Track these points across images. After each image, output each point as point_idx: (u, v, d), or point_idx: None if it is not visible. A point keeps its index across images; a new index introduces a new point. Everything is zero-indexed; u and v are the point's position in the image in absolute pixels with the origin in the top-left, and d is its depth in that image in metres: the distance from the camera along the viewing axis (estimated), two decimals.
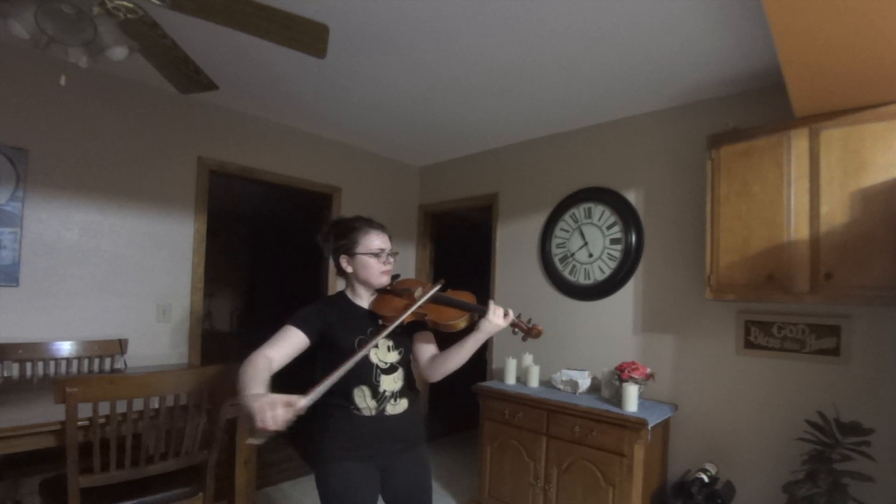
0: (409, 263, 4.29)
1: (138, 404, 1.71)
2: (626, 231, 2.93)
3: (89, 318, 2.59)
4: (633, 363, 2.52)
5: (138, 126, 2.77)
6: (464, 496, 3.24)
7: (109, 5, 1.34)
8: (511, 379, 3.05)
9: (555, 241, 3.30)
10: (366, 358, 1.46)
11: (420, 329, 1.60)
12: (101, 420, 1.67)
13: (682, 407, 2.66)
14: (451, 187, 4.13)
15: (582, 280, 3.14)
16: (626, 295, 2.95)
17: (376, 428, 1.50)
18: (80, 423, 1.62)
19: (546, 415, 2.65)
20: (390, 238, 1.61)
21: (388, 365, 1.52)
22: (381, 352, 1.52)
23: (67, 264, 2.52)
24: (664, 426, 2.62)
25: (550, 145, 3.41)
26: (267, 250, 6.88)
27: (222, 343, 6.36)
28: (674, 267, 2.76)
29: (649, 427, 2.29)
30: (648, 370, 2.52)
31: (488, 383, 3.02)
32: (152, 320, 2.82)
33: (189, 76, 1.81)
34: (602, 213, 3.06)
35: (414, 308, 1.45)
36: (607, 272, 3.01)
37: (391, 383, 1.52)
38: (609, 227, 3.02)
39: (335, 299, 1.60)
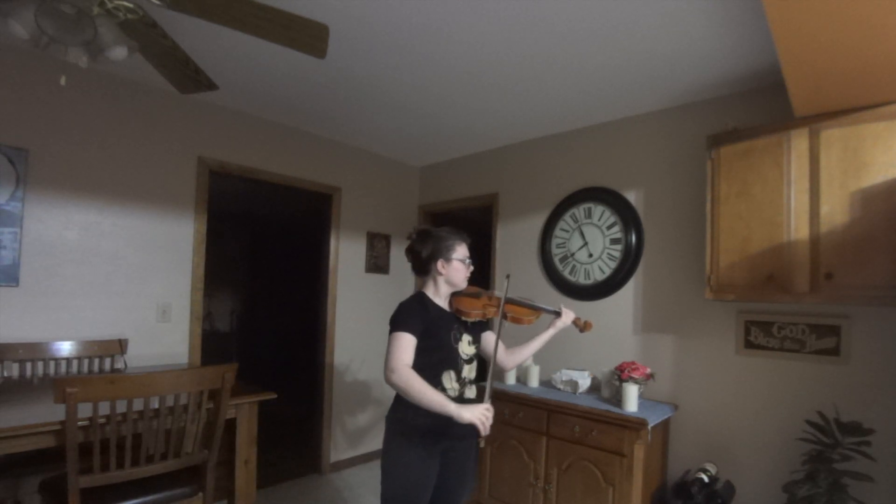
0: None
1: (138, 404, 1.71)
2: (626, 231, 2.93)
3: (89, 318, 2.59)
4: (633, 363, 2.52)
5: (138, 126, 2.77)
6: None
7: (109, 5, 1.34)
8: (511, 379, 3.05)
9: (555, 241, 3.30)
10: (455, 348, 1.75)
11: (489, 328, 1.94)
12: (101, 420, 1.67)
13: (682, 407, 2.66)
14: (451, 187, 4.13)
15: (582, 280, 3.15)
16: (626, 295, 2.95)
17: None
18: (80, 423, 1.62)
19: (546, 415, 2.65)
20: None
21: (469, 356, 1.79)
22: (465, 345, 1.78)
23: (67, 264, 2.52)
24: (664, 426, 2.62)
25: (550, 145, 3.41)
26: (267, 250, 6.88)
27: (222, 343, 6.36)
28: (674, 267, 2.76)
29: (649, 427, 2.29)
30: (648, 370, 2.52)
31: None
32: (152, 320, 2.82)
33: (189, 76, 1.81)
34: (602, 213, 3.06)
35: (501, 309, 1.81)
36: (607, 272, 3.01)
37: (469, 371, 1.79)
38: (609, 227, 3.02)
39: (422, 300, 1.79)
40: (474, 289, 1.90)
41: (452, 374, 1.73)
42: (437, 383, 1.68)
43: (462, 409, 1.54)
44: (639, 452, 2.32)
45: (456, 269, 1.79)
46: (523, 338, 2.03)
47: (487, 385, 1.67)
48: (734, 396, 2.50)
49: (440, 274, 1.79)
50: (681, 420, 2.66)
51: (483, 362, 1.93)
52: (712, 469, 2.36)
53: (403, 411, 1.71)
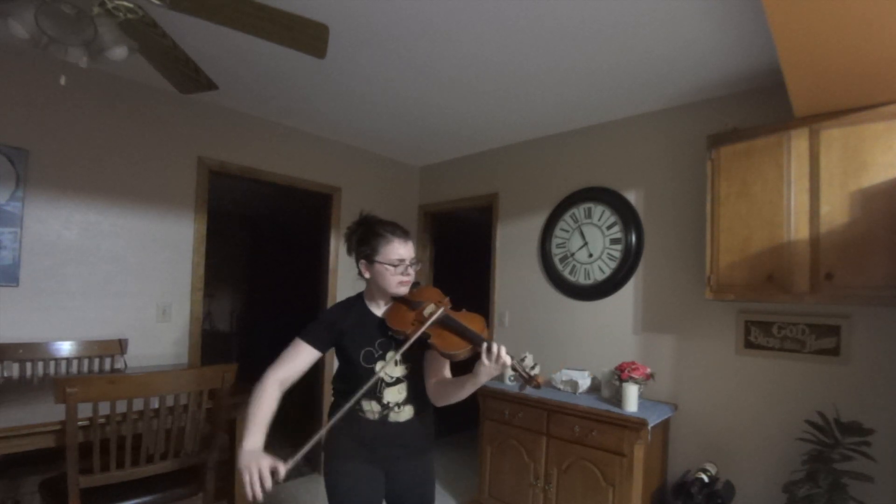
0: None
1: (138, 404, 1.72)
2: (626, 231, 2.93)
3: (89, 318, 2.59)
4: (633, 363, 2.52)
5: (138, 126, 2.77)
6: (464, 496, 3.24)
7: (109, 5, 1.34)
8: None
9: (555, 241, 3.30)
10: (372, 372, 1.47)
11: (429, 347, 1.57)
12: (101, 420, 1.67)
13: (682, 407, 2.66)
14: (451, 187, 4.13)
15: (582, 280, 3.14)
16: (626, 295, 2.95)
17: (380, 432, 1.52)
18: (80, 423, 1.62)
19: (546, 415, 2.65)
20: (414, 245, 1.57)
21: (394, 379, 1.52)
22: (388, 366, 1.50)
23: (67, 264, 2.52)
24: (664, 426, 2.62)
25: (550, 145, 3.41)
26: (267, 250, 6.88)
27: (222, 343, 6.36)
28: (674, 267, 2.76)
29: (649, 427, 2.29)
30: (648, 370, 2.52)
31: (488, 383, 3.02)
32: (152, 320, 2.82)
33: (189, 76, 1.81)
34: (602, 213, 3.06)
35: (420, 331, 1.40)
36: (607, 272, 3.01)
37: (394, 395, 1.52)
38: (609, 227, 3.02)
39: (352, 303, 1.59)
40: (429, 293, 1.56)
41: (372, 400, 1.50)
42: (357, 406, 1.49)
43: (245, 455, 1.21)
44: (639, 452, 2.32)
45: (380, 273, 1.49)
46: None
47: (305, 447, 1.18)
48: (734, 396, 2.50)
49: (366, 277, 1.55)
50: (681, 420, 2.66)
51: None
52: (712, 469, 2.36)
53: (332, 432, 1.51)
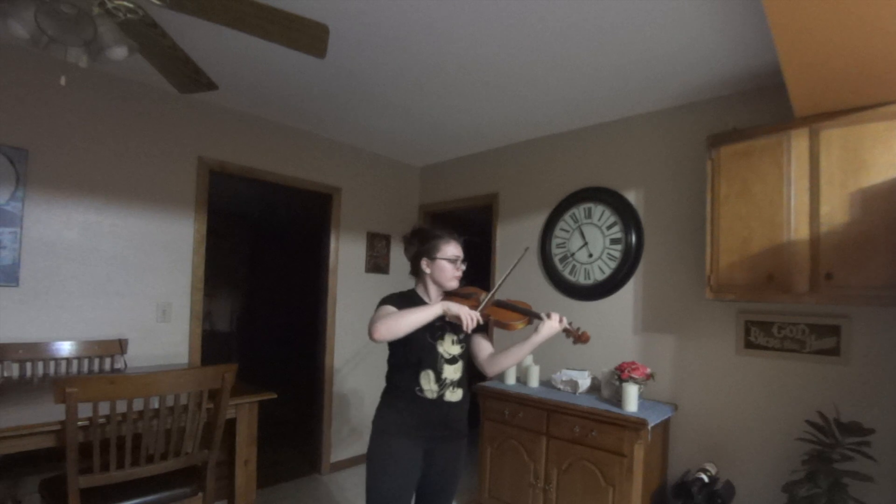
0: None
1: (138, 404, 1.71)
2: (626, 231, 2.93)
3: (89, 318, 2.59)
4: (633, 363, 2.52)
5: (138, 126, 2.77)
6: (464, 496, 3.24)
7: (109, 5, 1.34)
8: (511, 379, 3.05)
9: (555, 241, 3.30)
10: (434, 347, 1.71)
11: (480, 330, 1.84)
12: (101, 420, 1.67)
13: (682, 407, 2.66)
14: (451, 187, 4.13)
15: (582, 280, 3.15)
16: (626, 295, 2.95)
17: (435, 411, 1.71)
18: (80, 423, 1.62)
19: (546, 415, 2.65)
20: (463, 248, 1.85)
21: (451, 356, 1.75)
22: (447, 344, 1.74)
23: (67, 264, 2.52)
24: (664, 426, 2.62)
25: (550, 145, 3.41)
26: (267, 250, 6.88)
27: (222, 343, 6.36)
28: (674, 267, 2.76)
29: (649, 427, 2.29)
30: (648, 370, 2.52)
31: (488, 383, 3.02)
32: (152, 320, 2.82)
33: (189, 76, 1.81)
34: (602, 213, 3.06)
35: (481, 308, 1.68)
36: (607, 272, 3.01)
37: (452, 372, 1.74)
38: (609, 227, 3.02)
39: (410, 295, 1.81)
40: (471, 289, 1.85)
41: (431, 374, 1.70)
42: (414, 383, 1.69)
43: (448, 303, 1.59)
44: (639, 452, 2.32)
45: (440, 268, 1.76)
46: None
47: (490, 293, 1.74)
48: (734, 396, 2.50)
49: (426, 272, 1.79)
50: (681, 420, 2.66)
51: (474, 367, 1.87)
52: (712, 469, 2.36)
53: (385, 410, 1.75)
